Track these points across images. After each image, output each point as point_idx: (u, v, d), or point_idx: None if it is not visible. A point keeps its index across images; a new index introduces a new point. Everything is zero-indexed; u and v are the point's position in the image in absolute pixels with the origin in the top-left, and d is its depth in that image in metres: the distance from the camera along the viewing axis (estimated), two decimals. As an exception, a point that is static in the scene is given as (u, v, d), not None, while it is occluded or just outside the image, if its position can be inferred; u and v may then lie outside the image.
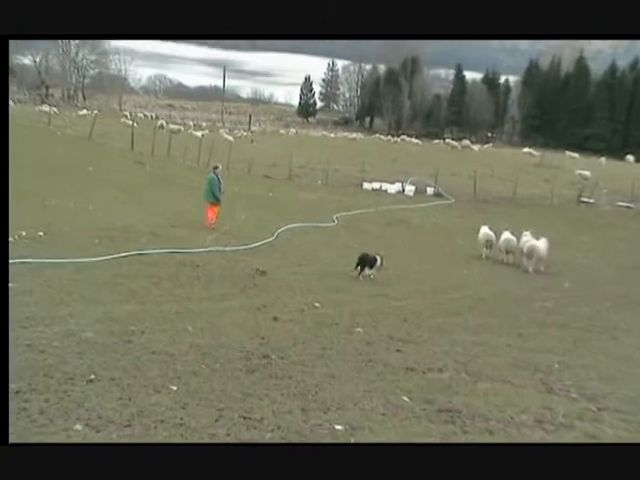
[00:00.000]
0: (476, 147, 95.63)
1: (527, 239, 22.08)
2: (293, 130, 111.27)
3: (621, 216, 38.80)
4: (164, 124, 74.25)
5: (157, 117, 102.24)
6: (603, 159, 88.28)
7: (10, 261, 11.29)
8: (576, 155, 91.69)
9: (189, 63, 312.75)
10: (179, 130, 69.81)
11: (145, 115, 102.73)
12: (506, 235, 22.80)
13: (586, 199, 43.16)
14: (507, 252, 22.59)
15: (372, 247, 22.10)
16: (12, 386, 7.26)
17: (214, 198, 21.88)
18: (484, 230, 23.46)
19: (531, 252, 21.12)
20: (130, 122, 63.11)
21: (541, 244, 21.34)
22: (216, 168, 22.67)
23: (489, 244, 23.08)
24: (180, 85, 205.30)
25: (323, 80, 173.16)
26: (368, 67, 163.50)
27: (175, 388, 8.13)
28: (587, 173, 56.74)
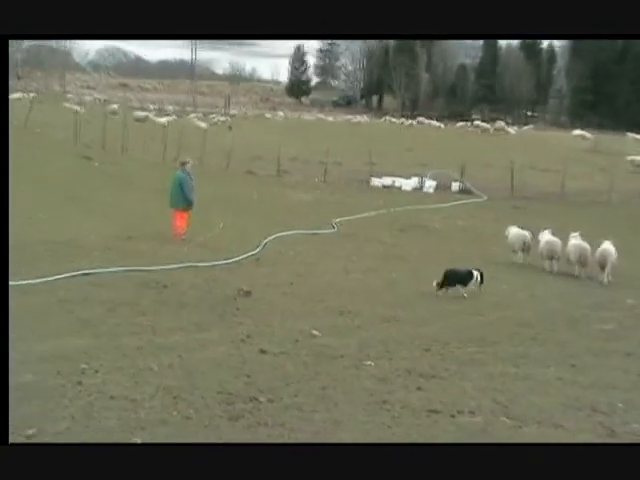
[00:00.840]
0: (513, 130, 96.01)
1: (576, 242, 22.16)
2: (282, 114, 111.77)
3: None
4: (117, 109, 74.43)
5: (108, 100, 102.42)
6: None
7: None
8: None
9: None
10: (146, 117, 69.83)
11: (94, 98, 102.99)
12: (547, 237, 22.85)
13: (653, 193, 43.30)
14: (550, 258, 22.65)
15: (380, 259, 22.26)
16: None
17: (184, 202, 21.85)
18: (515, 230, 23.61)
19: (604, 258, 21.24)
20: (75, 107, 63.29)
21: (611, 247, 21.45)
22: (185, 164, 22.61)
23: (525, 247, 23.23)
24: (138, 60, 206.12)
25: (319, 50, 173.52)
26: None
27: (139, 441, 8.16)
28: None
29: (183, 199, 21.78)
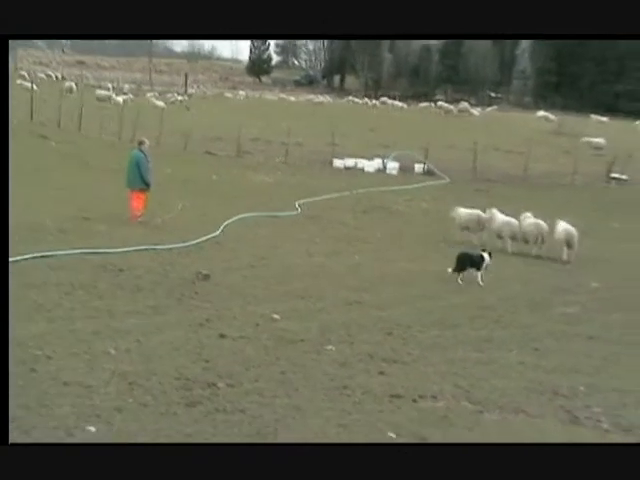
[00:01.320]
0: (476, 111, 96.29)
1: (534, 221, 22.65)
2: (242, 93, 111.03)
3: (662, 196, 39.31)
4: (73, 87, 73.55)
5: (64, 78, 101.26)
6: (639, 123, 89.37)
7: None
8: (604, 119, 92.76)
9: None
10: (109, 97, 68.80)
11: (48, 75, 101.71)
12: (500, 217, 23.31)
13: (617, 175, 43.65)
14: (506, 238, 23.12)
15: (344, 241, 22.28)
16: None
17: (140, 182, 21.67)
18: (465, 211, 24.14)
19: (571, 237, 22.06)
20: (29, 84, 62.41)
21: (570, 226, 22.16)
22: (142, 144, 22.40)
23: (476, 226, 23.77)
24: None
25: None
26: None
27: (94, 429, 8.10)
28: (600, 141, 57.10)
29: (140, 180, 21.57)
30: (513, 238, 22.98)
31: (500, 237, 23.32)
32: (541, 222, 22.79)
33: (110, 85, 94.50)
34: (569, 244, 22.18)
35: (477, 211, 24.03)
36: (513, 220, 23.14)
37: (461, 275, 18.10)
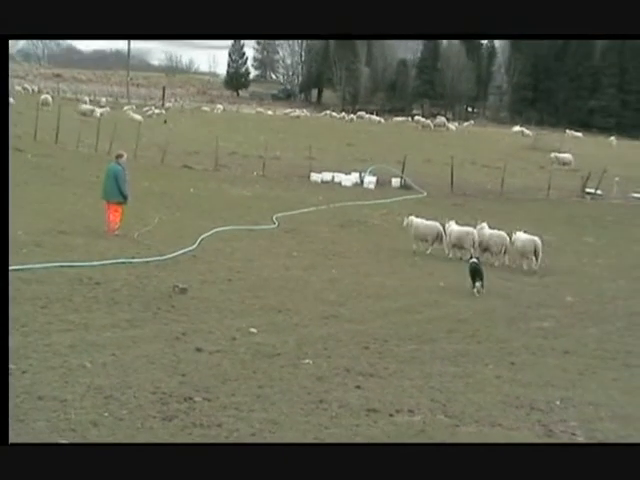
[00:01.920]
0: (453, 125, 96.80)
1: (497, 232, 23.22)
2: (220, 106, 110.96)
3: (636, 211, 39.63)
4: (49, 99, 73.16)
5: (40, 91, 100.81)
6: (613, 139, 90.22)
7: None
8: (579, 134, 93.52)
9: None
10: (91, 111, 67.60)
11: (25, 88, 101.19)
12: (454, 227, 23.80)
13: (592, 190, 43.94)
14: (461, 248, 23.58)
15: (321, 255, 22.29)
16: None
17: (118, 195, 21.63)
18: (423, 222, 24.52)
19: (536, 247, 22.26)
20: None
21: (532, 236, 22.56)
22: (120, 157, 22.41)
23: (438, 238, 24.12)
24: (71, 49, 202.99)
25: (257, 42, 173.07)
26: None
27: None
28: (567, 156, 56.55)
29: (117, 192, 21.55)
30: (474, 248, 23.17)
31: (461, 247, 23.58)
32: (502, 233, 23.13)
33: (87, 98, 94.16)
34: (531, 254, 22.48)
35: (435, 223, 24.36)
36: (472, 229, 23.45)
37: (477, 287, 18.47)
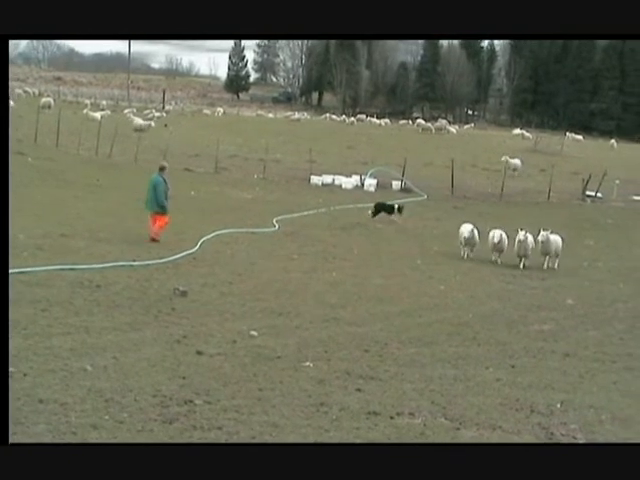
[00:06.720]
0: (454, 128, 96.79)
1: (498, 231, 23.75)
2: (220, 109, 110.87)
3: (637, 214, 39.63)
4: (51, 102, 73.15)
5: (41, 94, 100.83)
6: (613, 141, 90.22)
7: None
8: (580, 137, 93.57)
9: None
10: (148, 127, 65.09)
11: (25, 91, 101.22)
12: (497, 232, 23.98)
13: (592, 193, 43.94)
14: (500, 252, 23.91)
15: (321, 258, 22.29)
16: None
17: (156, 206, 21.72)
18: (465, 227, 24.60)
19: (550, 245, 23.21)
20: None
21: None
22: (162, 169, 22.46)
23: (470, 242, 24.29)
24: (72, 53, 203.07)
25: (258, 45, 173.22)
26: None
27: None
28: (516, 162, 52.18)
29: (155, 203, 21.66)
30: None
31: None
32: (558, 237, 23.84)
33: (88, 101, 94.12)
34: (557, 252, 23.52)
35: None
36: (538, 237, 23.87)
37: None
